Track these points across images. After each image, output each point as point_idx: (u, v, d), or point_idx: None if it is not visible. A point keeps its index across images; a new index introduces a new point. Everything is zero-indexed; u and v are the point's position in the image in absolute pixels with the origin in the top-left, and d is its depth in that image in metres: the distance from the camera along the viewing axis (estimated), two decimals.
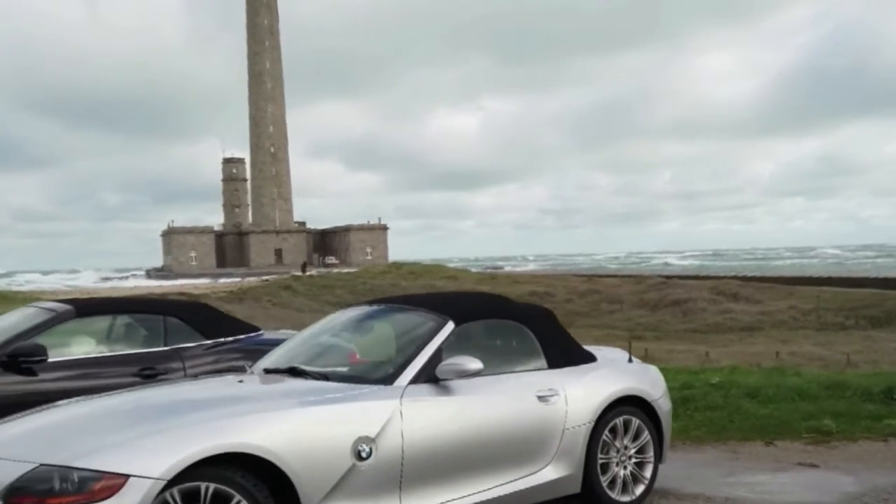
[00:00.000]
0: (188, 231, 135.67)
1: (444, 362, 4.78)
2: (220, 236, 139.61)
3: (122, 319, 7.16)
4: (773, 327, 34.40)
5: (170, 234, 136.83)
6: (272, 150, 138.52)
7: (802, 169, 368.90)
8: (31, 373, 6.12)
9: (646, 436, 5.66)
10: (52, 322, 6.55)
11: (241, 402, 4.33)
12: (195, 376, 6.59)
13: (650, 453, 5.67)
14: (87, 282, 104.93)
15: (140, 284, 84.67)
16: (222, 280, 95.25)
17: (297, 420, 4.14)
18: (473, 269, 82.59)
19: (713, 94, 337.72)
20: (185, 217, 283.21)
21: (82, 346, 6.75)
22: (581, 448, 5.25)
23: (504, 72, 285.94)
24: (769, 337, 32.60)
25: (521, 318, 5.67)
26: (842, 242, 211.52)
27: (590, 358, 5.80)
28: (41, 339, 6.32)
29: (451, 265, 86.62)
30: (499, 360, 5.38)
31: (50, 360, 6.19)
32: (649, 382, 5.87)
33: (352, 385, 4.65)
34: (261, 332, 7.50)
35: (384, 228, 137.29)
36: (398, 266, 69.22)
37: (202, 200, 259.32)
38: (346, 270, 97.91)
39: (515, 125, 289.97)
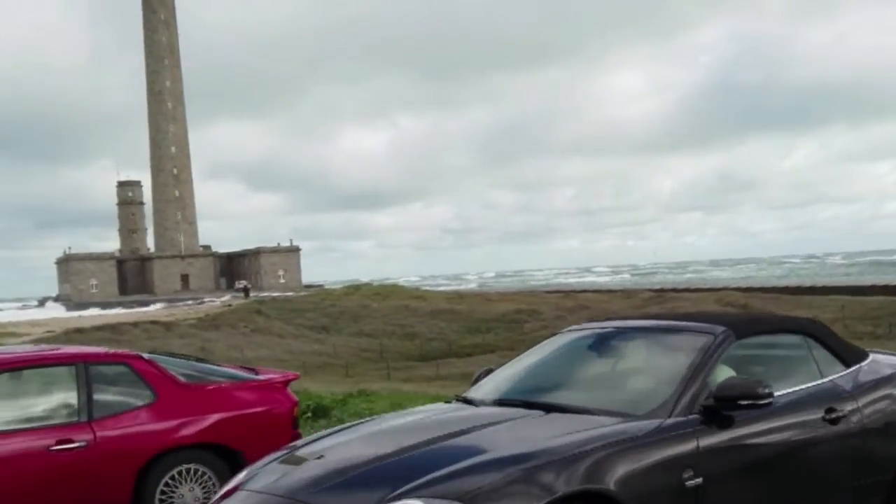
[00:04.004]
0: (88, 258, 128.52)
1: None
2: (120, 263, 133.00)
3: (779, 340, 5.49)
4: None
5: (67, 262, 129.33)
6: (175, 171, 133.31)
7: (702, 185, 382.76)
8: (731, 422, 4.53)
9: None
10: (714, 349, 4.90)
11: None
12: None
13: None
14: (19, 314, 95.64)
15: (102, 313, 77.42)
16: (147, 308, 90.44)
17: None
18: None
19: (622, 111, 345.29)
20: (71, 243, 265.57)
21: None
22: None
23: (419, 89, 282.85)
24: None
25: None
26: (730, 256, 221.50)
27: None
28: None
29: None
30: None
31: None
32: None
33: None
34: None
35: (296, 250, 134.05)
36: (356, 287, 67.67)
37: (90, 226, 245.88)
38: (266, 294, 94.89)
39: (423, 144, 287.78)
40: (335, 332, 53.07)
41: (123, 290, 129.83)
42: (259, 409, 6.65)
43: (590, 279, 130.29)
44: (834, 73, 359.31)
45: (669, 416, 4.34)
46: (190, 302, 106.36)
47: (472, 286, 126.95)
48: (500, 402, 4.91)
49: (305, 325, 54.22)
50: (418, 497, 3.56)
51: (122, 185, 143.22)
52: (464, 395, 5.32)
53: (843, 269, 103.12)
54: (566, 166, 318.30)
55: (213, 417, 6.43)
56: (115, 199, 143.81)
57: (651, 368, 5.06)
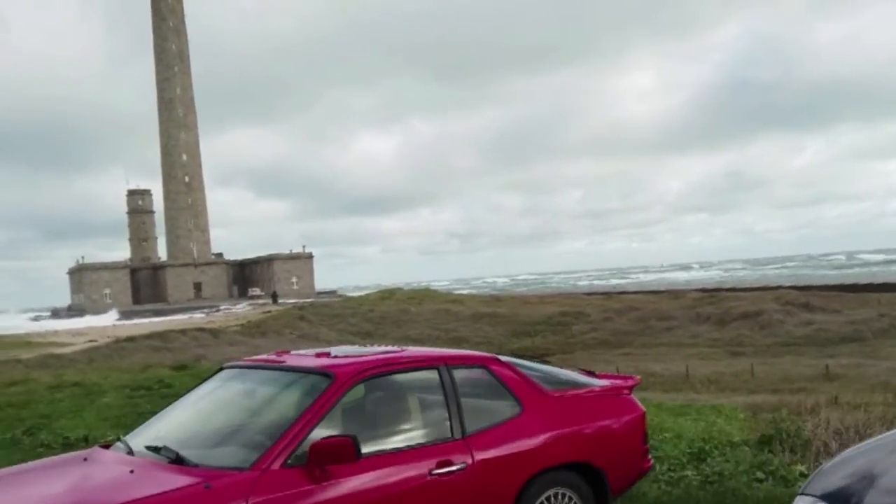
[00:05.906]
0: (102, 267, 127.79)
1: None
2: (133, 272, 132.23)
3: None
4: (883, 336, 34.51)
5: (80, 271, 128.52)
6: (186, 179, 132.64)
7: (711, 185, 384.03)
8: None
9: None
10: None
11: None
12: None
13: None
14: (46, 323, 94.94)
15: (130, 322, 76.77)
16: (169, 317, 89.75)
17: None
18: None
19: (633, 111, 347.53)
20: (79, 253, 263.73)
21: None
22: None
23: (430, 93, 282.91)
24: None
25: None
26: (733, 256, 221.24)
27: None
28: None
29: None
30: None
31: None
32: None
33: None
34: None
35: (309, 257, 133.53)
36: (392, 292, 67.14)
37: (99, 235, 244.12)
38: (292, 301, 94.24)
39: (432, 148, 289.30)
40: (379, 337, 52.42)
41: (137, 299, 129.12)
42: (615, 420, 5.91)
43: (614, 280, 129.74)
44: (847, 70, 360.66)
45: None
46: (206, 310, 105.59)
47: (505, 289, 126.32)
48: None
49: (349, 331, 53.63)
50: None
51: (132, 194, 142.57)
52: None
53: (885, 268, 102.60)
54: (575, 168, 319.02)
55: (578, 431, 5.62)
56: (124, 208, 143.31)
57: None
